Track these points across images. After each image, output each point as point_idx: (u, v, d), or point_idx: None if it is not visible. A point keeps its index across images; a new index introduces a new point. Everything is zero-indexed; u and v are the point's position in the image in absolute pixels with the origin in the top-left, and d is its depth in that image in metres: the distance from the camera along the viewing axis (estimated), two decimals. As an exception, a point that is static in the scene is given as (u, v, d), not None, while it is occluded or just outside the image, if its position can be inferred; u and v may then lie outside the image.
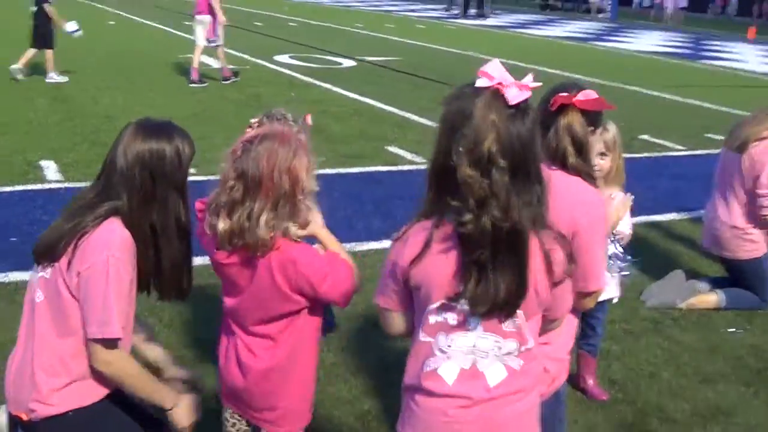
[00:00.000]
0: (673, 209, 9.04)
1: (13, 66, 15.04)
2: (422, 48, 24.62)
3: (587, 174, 3.44)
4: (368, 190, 9.11)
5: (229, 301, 3.22)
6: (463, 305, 2.54)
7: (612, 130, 4.61)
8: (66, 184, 8.64)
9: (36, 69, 15.32)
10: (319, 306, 3.24)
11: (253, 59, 19.85)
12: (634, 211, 4.83)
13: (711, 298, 6.45)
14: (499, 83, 2.46)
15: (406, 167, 10.04)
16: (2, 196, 8.24)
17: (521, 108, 2.45)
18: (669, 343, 5.87)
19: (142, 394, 3.32)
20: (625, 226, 4.69)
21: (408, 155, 10.59)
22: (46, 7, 14.92)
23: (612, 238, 4.49)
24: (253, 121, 4.37)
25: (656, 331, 6.06)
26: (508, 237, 2.45)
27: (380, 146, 11.08)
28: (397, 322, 2.80)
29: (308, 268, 3.05)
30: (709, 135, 12.85)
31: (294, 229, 3.08)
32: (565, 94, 3.42)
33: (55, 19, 15.11)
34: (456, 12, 41.11)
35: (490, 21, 37.98)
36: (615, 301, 4.96)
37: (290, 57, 20.63)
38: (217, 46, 16.27)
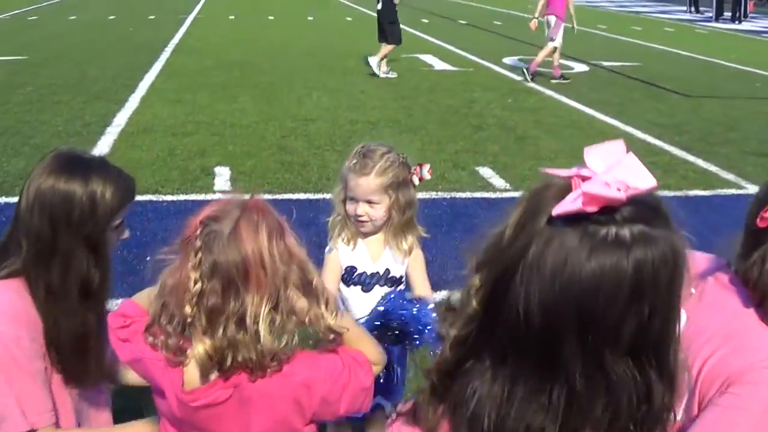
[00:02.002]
0: None
1: (371, 58, 16.13)
2: (666, 53, 22.82)
3: None
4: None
5: None
6: None
7: None
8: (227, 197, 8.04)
9: (243, 68, 15.09)
10: None
11: (480, 61, 18.97)
12: None
13: None
14: (577, 175, 1.42)
15: (612, 194, 8.77)
16: (162, 206, 7.73)
17: (590, 231, 1.38)
18: None
19: None
20: None
21: (618, 180, 9.28)
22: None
23: None
24: (352, 162, 3.49)
25: None
26: None
27: (589, 167, 9.81)
28: None
29: (324, 386, 2.16)
30: None
31: (330, 321, 2.15)
32: None
33: None
34: (709, 15, 38.56)
35: (746, 25, 35.21)
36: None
37: (519, 60, 19.53)
38: (549, 46, 16.47)
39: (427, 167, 3.55)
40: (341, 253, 3.62)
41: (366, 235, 3.58)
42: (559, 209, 1.37)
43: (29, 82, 14.12)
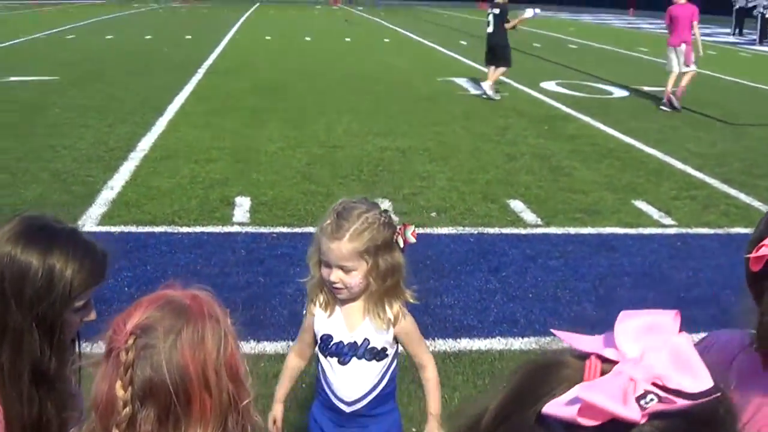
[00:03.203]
0: None
1: (484, 85, 16.61)
2: (708, 78, 22.27)
3: None
4: (592, 259, 7.49)
5: None
6: None
7: None
8: (247, 229, 7.76)
9: (276, 90, 14.82)
10: None
11: (516, 85, 18.56)
12: None
13: None
14: (597, 356, 0.94)
15: (648, 230, 8.37)
16: (176, 238, 7.42)
17: None
18: None
19: None
20: None
21: (655, 214, 8.88)
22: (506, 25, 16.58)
23: None
24: (326, 223, 3.13)
25: None
26: None
27: (626, 199, 9.42)
28: None
29: None
30: None
31: None
32: None
33: (516, 22, 16.90)
34: (753, 38, 37.88)
35: (793, 49, 34.57)
36: None
37: (557, 84, 19.15)
38: (690, 72, 16.72)
39: (411, 229, 3.12)
40: (317, 320, 3.29)
41: (344, 301, 3.22)
42: (550, 408, 0.92)
43: (58, 103, 13.97)
